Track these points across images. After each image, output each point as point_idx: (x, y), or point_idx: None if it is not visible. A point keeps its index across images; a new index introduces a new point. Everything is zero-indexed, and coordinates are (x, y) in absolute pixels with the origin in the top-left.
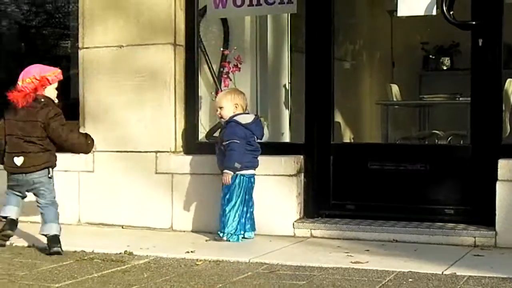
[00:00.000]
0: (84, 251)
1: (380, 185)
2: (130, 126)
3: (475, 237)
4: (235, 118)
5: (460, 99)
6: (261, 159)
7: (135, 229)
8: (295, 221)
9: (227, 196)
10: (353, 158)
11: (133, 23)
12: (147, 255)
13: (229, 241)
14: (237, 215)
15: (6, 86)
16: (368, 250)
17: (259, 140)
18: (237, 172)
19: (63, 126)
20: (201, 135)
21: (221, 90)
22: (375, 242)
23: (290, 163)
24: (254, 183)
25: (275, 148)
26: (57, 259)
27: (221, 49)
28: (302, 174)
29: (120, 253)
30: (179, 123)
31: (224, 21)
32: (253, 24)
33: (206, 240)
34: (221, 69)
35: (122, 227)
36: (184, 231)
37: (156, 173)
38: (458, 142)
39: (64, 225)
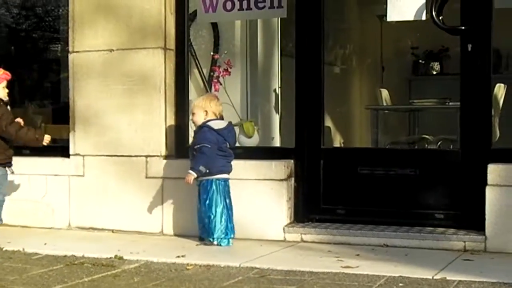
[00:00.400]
0: (75, 256)
1: (370, 190)
2: (120, 130)
3: (465, 242)
4: (208, 123)
5: (450, 103)
6: (252, 163)
7: (125, 233)
8: (285, 226)
9: (207, 202)
10: (343, 163)
11: (123, 27)
12: (137, 260)
13: (220, 245)
14: (223, 219)
15: None
16: (358, 255)
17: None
18: (213, 177)
19: (11, 125)
20: (191, 139)
21: None
22: (366, 246)
23: (280, 168)
24: (229, 187)
25: (266, 153)
26: (47, 263)
27: (212, 53)
28: (293, 179)
29: (110, 258)
30: (170, 127)
31: (215, 25)
32: (243, 28)
33: (197, 245)
34: (211, 73)
35: (113, 232)
36: (174, 236)
37: (147, 177)
38: (447, 146)
39: (54, 229)
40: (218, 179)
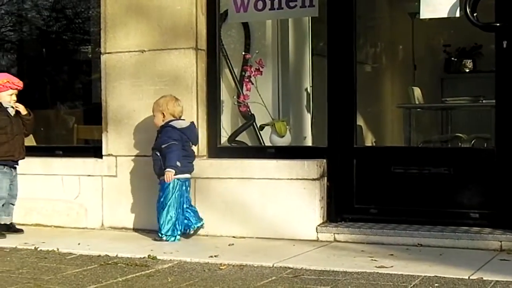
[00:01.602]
0: (108, 256)
1: (403, 189)
2: (152, 131)
3: (501, 241)
4: (170, 123)
5: (483, 101)
6: (284, 163)
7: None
8: (318, 225)
9: (161, 199)
10: (376, 162)
11: (155, 28)
12: (170, 260)
13: (167, 241)
14: (172, 217)
15: (27, 91)
16: (392, 255)
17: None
18: (173, 177)
19: None
20: (223, 139)
21: (243, 94)
22: (399, 246)
23: (313, 167)
24: (189, 187)
25: (298, 152)
26: (81, 263)
27: (243, 53)
28: (325, 178)
29: (144, 258)
30: (201, 127)
31: (246, 25)
32: (274, 27)
33: (230, 244)
34: (243, 73)
35: (146, 232)
36: (207, 235)
37: None
38: (481, 145)
39: (87, 230)
40: (178, 178)
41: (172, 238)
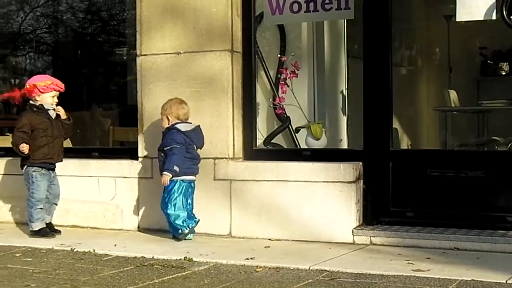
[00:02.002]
0: (144, 257)
1: (440, 192)
2: None
3: None
4: (175, 125)
5: None
6: (320, 165)
7: (194, 235)
8: (354, 228)
9: (166, 200)
10: (413, 165)
11: (190, 30)
12: (207, 262)
13: (179, 240)
14: (180, 217)
15: (63, 93)
16: (429, 258)
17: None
18: (177, 178)
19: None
20: (259, 141)
21: (279, 97)
22: (436, 249)
23: (349, 170)
24: (194, 188)
25: (334, 155)
26: (118, 264)
27: (279, 55)
28: (361, 181)
29: (180, 259)
30: (237, 129)
31: (281, 27)
32: (309, 30)
33: (265, 247)
34: (279, 76)
35: None
36: (243, 238)
37: (215, 179)
38: None
39: (123, 231)
40: (182, 180)
41: (184, 236)
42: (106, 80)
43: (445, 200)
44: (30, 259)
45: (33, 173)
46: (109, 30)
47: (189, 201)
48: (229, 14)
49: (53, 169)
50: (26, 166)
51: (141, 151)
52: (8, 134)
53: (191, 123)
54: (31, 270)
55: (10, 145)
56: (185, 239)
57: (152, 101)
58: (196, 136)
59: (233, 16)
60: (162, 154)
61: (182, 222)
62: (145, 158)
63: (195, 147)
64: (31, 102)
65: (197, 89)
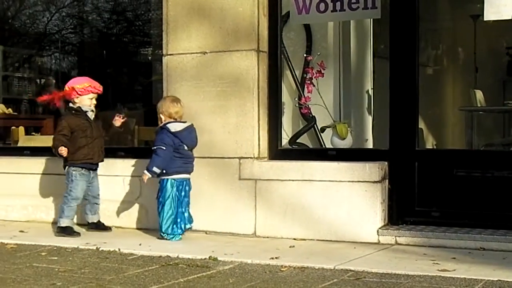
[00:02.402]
0: (169, 256)
1: (466, 192)
2: (214, 132)
3: None
4: (167, 125)
5: None
6: (345, 165)
7: (218, 235)
8: (379, 228)
9: (160, 199)
10: (439, 165)
11: (216, 30)
12: (231, 261)
13: (167, 239)
14: (169, 218)
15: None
16: (454, 258)
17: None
18: (169, 177)
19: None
20: (284, 141)
21: (304, 96)
22: (462, 250)
23: (374, 170)
24: (188, 186)
25: (359, 154)
26: (143, 263)
27: (305, 54)
28: (387, 181)
29: (205, 259)
30: (262, 129)
31: (307, 27)
32: (336, 29)
33: (290, 246)
34: (304, 75)
35: (206, 233)
36: (267, 237)
37: (240, 179)
38: None
39: (148, 230)
40: (174, 179)
41: (171, 236)
42: (131, 80)
43: (471, 200)
44: (56, 258)
45: (73, 172)
46: (134, 30)
47: (186, 199)
48: (256, 13)
49: (94, 169)
50: (67, 166)
51: None
52: (34, 133)
53: (185, 121)
54: (56, 269)
55: (35, 145)
56: (173, 239)
57: None
58: (186, 136)
59: (260, 16)
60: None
61: (168, 228)
62: None
63: (185, 147)
64: (70, 104)
65: (223, 89)
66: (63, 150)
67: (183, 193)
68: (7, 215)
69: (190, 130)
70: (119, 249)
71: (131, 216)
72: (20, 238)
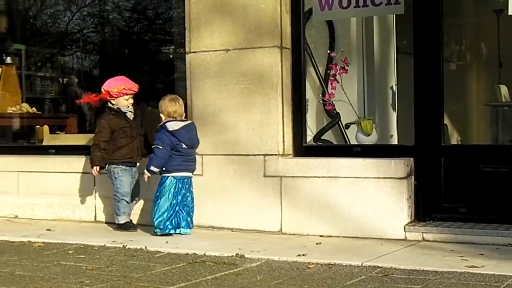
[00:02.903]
0: (196, 254)
1: (493, 188)
2: (238, 129)
3: None
4: (165, 124)
5: None
6: (371, 161)
7: (244, 232)
8: (406, 225)
9: (157, 194)
10: (465, 160)
11: (239, 27)
12: (258, 258)
13: (156, 234)
14: (163, 213)
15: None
16: (482, 254)
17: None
18: (168, 174)
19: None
20: (309, 137)
21: (328, 93)
22: (489, 246)
23: (400, 166)
24: (188, 184)
25: (384, 151)
26: (170, 261)
27: (328, 51)
28: (413, 177)
29: (231, 256)
30: (287, 126)
31: (330, 23)
32: (359, 25)
33: (317, 243)
34: (328, 71)
35: (232, 230)
36: (293, 234)
37: (265, 176)
38: None
39: None
40: (174, 176)
41: (158, 231)
42: (153, 78)
43: (498, 195)
44: (83, 256)
45: (114, 170)
46: (155, 29)
47: (189, 197)
48: (278, 10)
49: (134, 166)
50: (107, 164)
51: None
52: (58, 132)
53: (185, 120)
54: (84, 267)
55: (60, 144)
56: (180, 233)
57: (201, 98)
58: (184, 135)
59: (282, 12)
60: None
61: (160, 222)
62: (195, 155)
63: (183, 145)
64: (109, 104)
65: (247, 86)
66: (95, 171)
67: (183, 191)
68: (33, 214)
69: (188, 128)
70: (145, 247)
71: None
72: (47, 236)
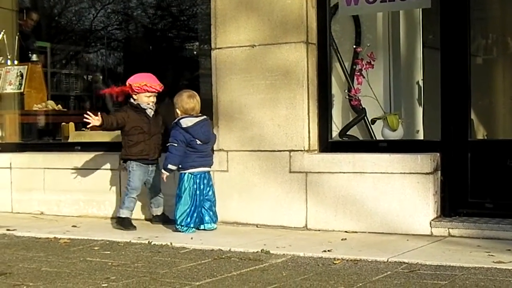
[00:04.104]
0: (221, 250)
1: None
2: (263, 125)
3: None
4: (179, 121)
5: None
6: (397, 157)
7: (269, 228)
8: (432, 220)
9: (177, 191)
10: (492, 155)
11: (265, 23)
12: (284, 254)
13: (180, 231)
14: (185, 210)
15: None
16: (509, 250)
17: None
18: (186, 171)
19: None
20: (334, 133)
21: (354, 88)
22: None
23: (426, 161)
24: (207, 179)
25: (411, 146)
26: (195, 257)
27: (354, 46)
28: (439, 172)
29: (257, 252)
30: (312, 121)
31: (356, 18)
32: (385, 20)
33: (342, 239)
34: (354, 67)
35: (257, 226)
36: (319, 230)
37: (290, 172)
38: None
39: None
40: (191, 173)
41: (185, 229)
42: (178, 75)
43: None
44: (109, 252)
45: (130, 164)
46: (179, 25)
47: (210, 192)
48: (304, 5)
49: (152, 164)
50: (123, 160)
51: (216, 144)
52: (83, 129)
53: (199, 116)
54: (110, 263)
55: (85, 140)
56: (187, 232)
57: (227, 94)
58: (197, 131)
59: (308, 8)
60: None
61: (181, 219)
62: (221, 151)
63: (197, 142)
64: (131, 100)
65: (272, 82)
66: (90, 117)
67: (201, 186)
68: (59, 210)
69: (202, 124)
70: (171, 243)
71: None
72: (73, 233)
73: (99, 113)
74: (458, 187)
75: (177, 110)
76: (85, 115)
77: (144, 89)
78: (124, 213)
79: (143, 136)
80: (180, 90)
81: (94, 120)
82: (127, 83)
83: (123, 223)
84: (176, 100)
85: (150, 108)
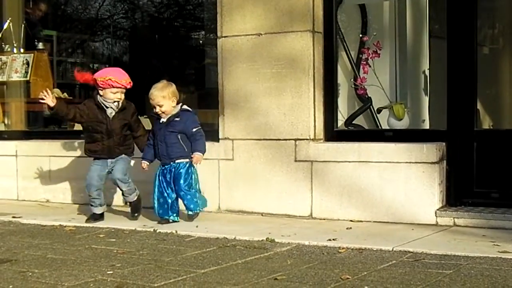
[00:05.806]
0: (226, 238)
1: None
2: (269, 114)
3: None
4: (187, 108)
5: None
6: (403, 146)
7: (274, 216)
8: (437, 210)
9: (189, 181)
10: (498, 145)
11: (271, 11)
12: (289, 242)
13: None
14: (197, 192)
15: (140, 76)
16: None
17: None
18: (187, 160)
19: None
20: (340, 122)
21: (360, 77)
22: None
23: (432, 150)
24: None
25: (416, 135)
26: (200, 245)
27: (360, 35)
28: (445, 162)
29: (262, 240)
30: (318, 110)
31: (362, 7)
32: (391, 9)
33: (347, 228)
34: (360, 56)
35: (262, 215)
36: (324, 219)
37: (296, 160)
38: None
39: (204, 213)
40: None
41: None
42: (183, 63)
43: None
44: (114, 240)
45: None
46: (185, 14)
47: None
48: None
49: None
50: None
51: (222, 133)
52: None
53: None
54: (115, 251)
55: None
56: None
57: (233, 83)
58: None
59: None
60: (178, 136)
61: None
62: (226, 140)
63: None
64: (95, 93)
65: (278, 70)
66: (47, 96)
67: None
68: (65, 198)
69: None
70: (176, 231)
71: None
72: (78, 220)
73: (55, 97)
74: (463, 177)
75: (172, 100)
76: (41, 92)
77: (109, 84)
78: (91, 210)
79: (100, 136)
80: (184, 79)
81: (49, 98)
82: (94, 77)
83: (93, 217)
84: (170, 91)
85: (112, 108)
